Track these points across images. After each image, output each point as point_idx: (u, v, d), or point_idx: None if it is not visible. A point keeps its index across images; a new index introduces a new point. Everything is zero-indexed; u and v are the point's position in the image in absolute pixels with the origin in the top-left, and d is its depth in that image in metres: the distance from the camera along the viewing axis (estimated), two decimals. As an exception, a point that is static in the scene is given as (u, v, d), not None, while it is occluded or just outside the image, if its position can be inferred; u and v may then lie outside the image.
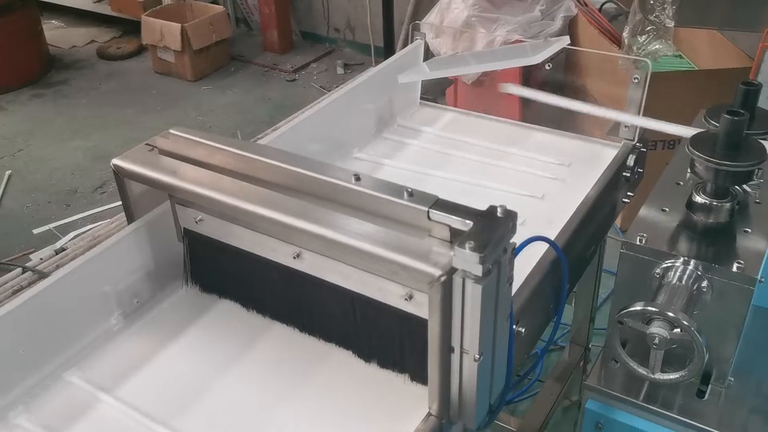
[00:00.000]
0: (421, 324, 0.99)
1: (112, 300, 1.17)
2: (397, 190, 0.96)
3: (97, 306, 1.16)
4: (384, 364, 1.13)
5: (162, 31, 5.01)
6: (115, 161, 1.12)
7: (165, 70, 5.19)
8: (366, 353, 1.14)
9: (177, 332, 1.20)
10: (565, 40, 1.55)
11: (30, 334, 1.06)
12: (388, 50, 3.99)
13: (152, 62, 5.26)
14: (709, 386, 1.31)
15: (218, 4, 5.53)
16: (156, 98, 4.93)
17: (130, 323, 1.20)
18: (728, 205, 1.33)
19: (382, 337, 1.10)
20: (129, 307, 1.21)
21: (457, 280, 0.88)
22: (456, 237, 0.91)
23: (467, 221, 0.90)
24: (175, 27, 4.94)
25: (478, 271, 0.87)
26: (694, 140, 1.31)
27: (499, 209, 0.91)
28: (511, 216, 0.91)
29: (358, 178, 0.99)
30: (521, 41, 3.13)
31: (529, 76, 2.87)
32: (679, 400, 1.29)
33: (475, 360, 0.92)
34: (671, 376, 1.19)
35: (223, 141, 1.10)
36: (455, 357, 0.94)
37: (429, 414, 1.01)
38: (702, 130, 1.38)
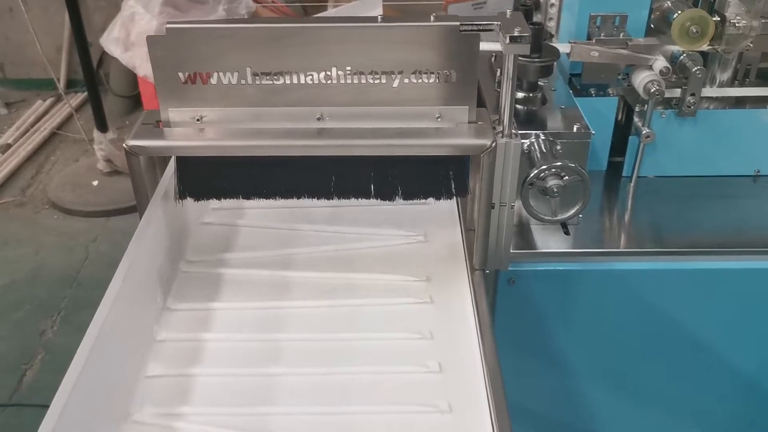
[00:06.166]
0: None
1: (156, 279, 1.17)
2: (422, 17, 1.13)
3: (149, 288, 1.16)
4: (408, 196, 1.24)
5: None
6: (129, 142, 1.12)
7: None
8: (389, 194, 1.24)
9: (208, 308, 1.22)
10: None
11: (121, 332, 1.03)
12: (89, 77, 3.74)
13: None
14: (568, 226, 1.77)
15: None
16: None
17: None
18: (540, 94, 1.80)
19: (405, 165, 1.20)
20: (165, 286, 1.21)
21: (500, 142, 1.15)
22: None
23: (495, 22, 1.13)
24: None
25: (526, 50, 1.10)
26: (510, 49, 1.74)
27: (508, 12, 1.16)
28: (519, 15, 1.16)
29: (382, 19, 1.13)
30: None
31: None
32: (555, 241, 1.73)
33: (512, 207, 1.21)
34: (571, 212, 1.61)
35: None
36: (494, 212, 1.22)
37: (474, 269, 1.26)
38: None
